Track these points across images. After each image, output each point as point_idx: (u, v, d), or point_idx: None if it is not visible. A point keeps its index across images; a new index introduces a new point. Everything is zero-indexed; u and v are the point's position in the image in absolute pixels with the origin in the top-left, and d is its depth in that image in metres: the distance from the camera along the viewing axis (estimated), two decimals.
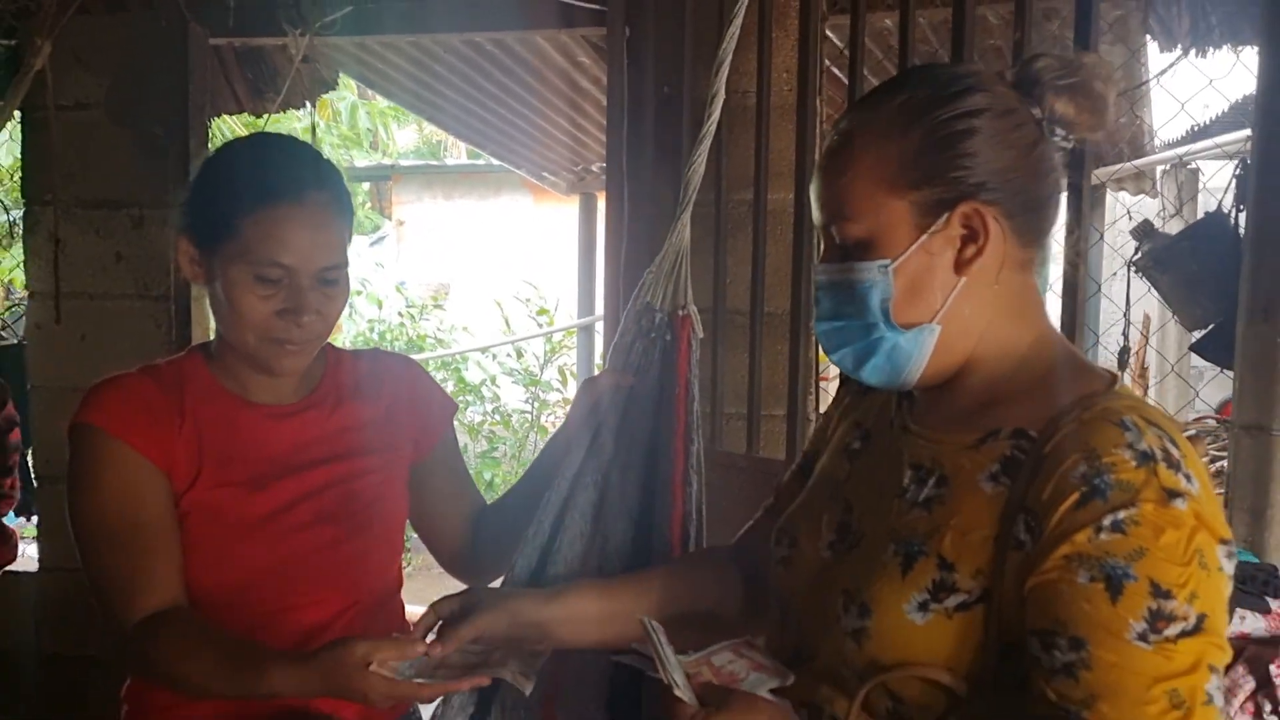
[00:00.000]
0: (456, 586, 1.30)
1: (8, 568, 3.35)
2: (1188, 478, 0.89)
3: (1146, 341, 5.22)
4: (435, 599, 1.21)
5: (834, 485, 1.12)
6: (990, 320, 1.02)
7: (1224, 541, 0.90)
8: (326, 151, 5.54)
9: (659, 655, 0.99)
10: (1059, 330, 1.09)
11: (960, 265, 1.00)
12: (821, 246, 1.07)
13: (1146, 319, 5.74)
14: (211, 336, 1.43)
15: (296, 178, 1.29)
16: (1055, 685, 0.88)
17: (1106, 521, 0.87)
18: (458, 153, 11.13)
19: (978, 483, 0.97)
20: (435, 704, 1.29)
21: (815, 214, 1.06)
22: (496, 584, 1.40)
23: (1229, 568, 0.90)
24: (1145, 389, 5.58)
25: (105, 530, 1.28)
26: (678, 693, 0.97)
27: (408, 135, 11.50)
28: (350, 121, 9.38)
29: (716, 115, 1.68)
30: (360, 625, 1.34)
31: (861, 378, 1.06)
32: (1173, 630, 0.86)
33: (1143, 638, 0.86)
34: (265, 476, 1.34)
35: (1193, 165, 5.41)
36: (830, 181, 1.03)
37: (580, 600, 1.20)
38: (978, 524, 0.95)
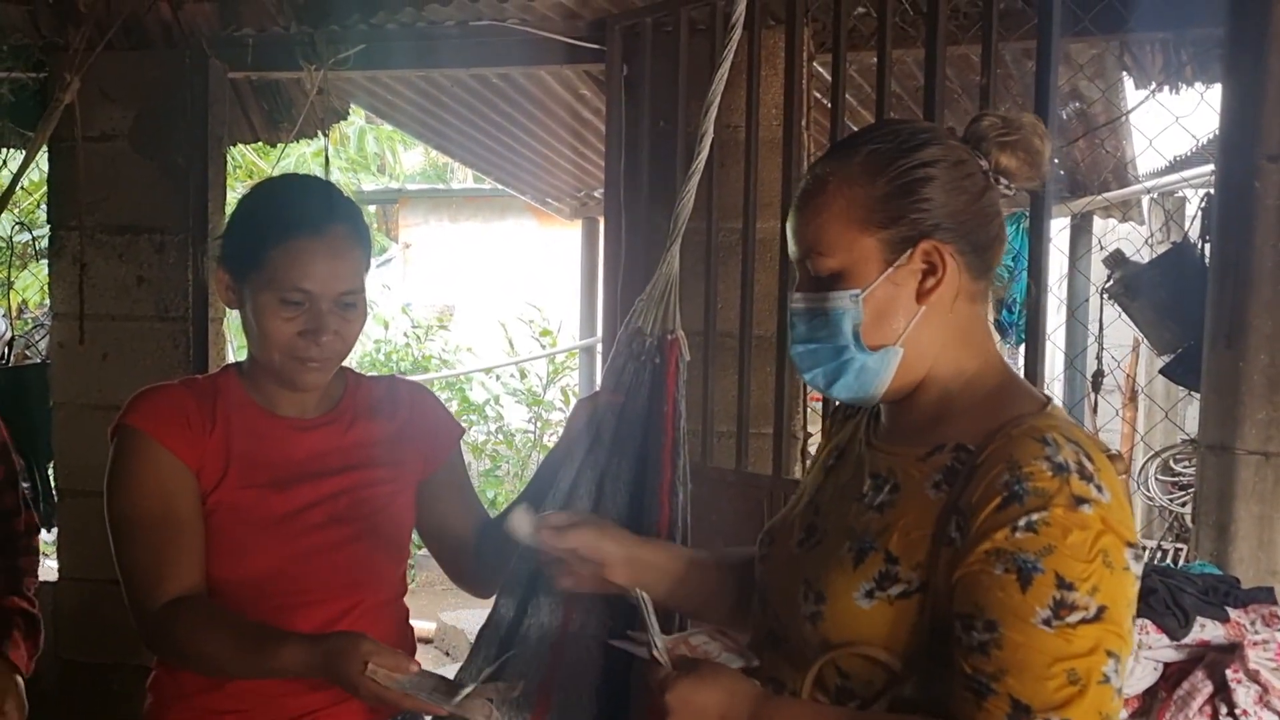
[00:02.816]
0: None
1: None
2: (1099, 488, 1.02)
3: (1134, 371, 5.34)
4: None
5: (811, 494, 1.27)
6: (944, 344, 1.16)
7: (1130, 545, 1.03)
8: (335, 176, 5.70)
9: (648, 623, 1.14)
10: (1005, 356, 1.23)
11: (921, 295, 1.14)
12: (797, 277, 1.20)
13: (1136, 344, 5.85)
14: (228, 356, 1.58)
15: (317, 213, 1.44)
16: (971, 661, 1.01)
17: (1021, 522, 1.01)
18: (463, 176, 11.28)
19: (923, 489, 1.11)
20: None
21: (791, 248, 1.20)
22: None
23: (1136, 568, 1.03)
24: (1135, 414, 5.70)
25: (137, 521, 1.42)
26: (656, 654, 1.12)
27: (413, 158, 11.66)
28: (358, 146, 9.56)
29: (705, 153, 1.81)
30: (365, 623, 1.46)
31: (832, 394, 1.20)
32: (1074, 618, 0.99)
33: (1046, 623, 0.99)
34: (285, 481, 1.48)
35: (1180, 194, 5.56)
36: (807, 220, 1.17)
37: (659, 551, 1.36)
38: (920, 524, 1.09)
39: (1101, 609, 0.99)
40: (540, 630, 1.44)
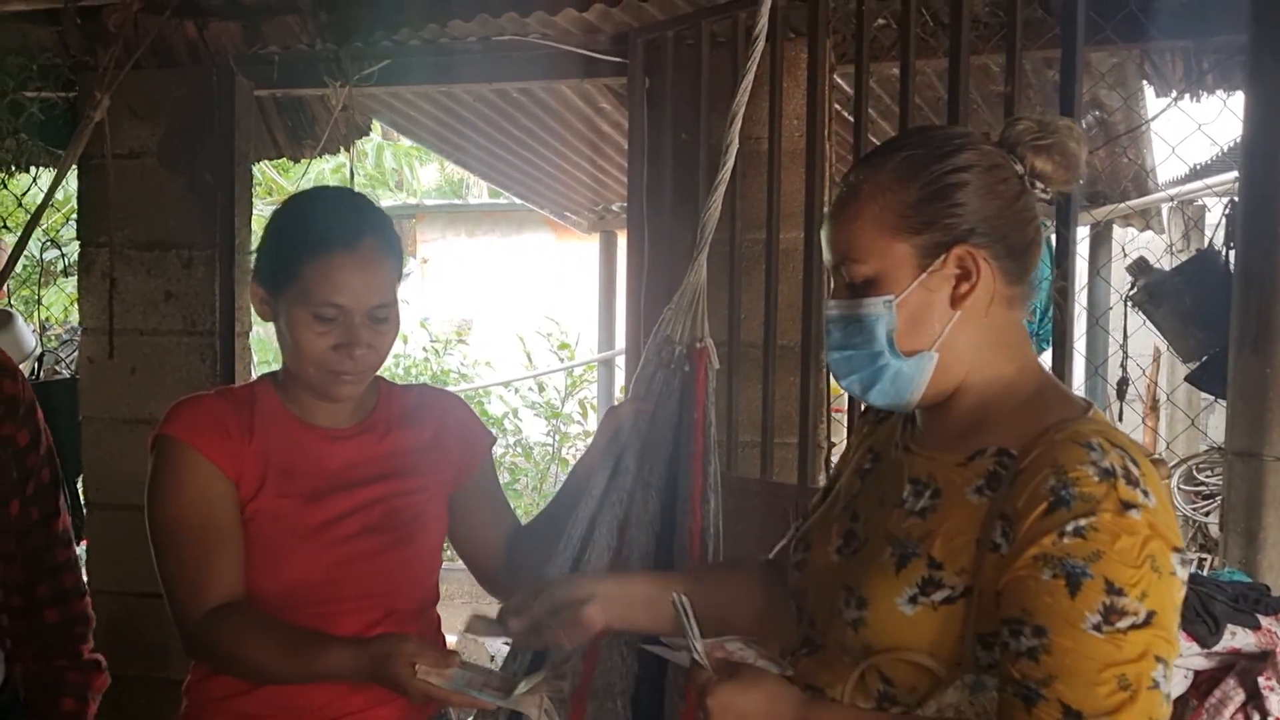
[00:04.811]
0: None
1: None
2: (1145, 493, 1.02)
3: (1155, 379, 5.32)
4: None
5: (847, 500, 1.27)
6: (979, 349, 1.16)
7: (1177, 550, 1.03)
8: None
9: (687, 627, 1.14)
10: (1041, 361, 1.24)
11: (955, 300, 1.14)
12: (832, 285, 1.21)
13: (1157, 353, 5.83)
14: (254, 370, 1.59)
15: (348, 227, 1.46)
16: (1020, 666, 1.01)
17: (1069, 527, 1.01)
18: (479, 190, 11.35)
19: (965, 494, 1.11)
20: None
21: (826, 255, 1.21)
22: None
23: (1182, 573, 1.03)
24: (1157, 422, 5.68)
25: (179, 530, 1.44)
26: (697, 657, 1.12)
27: (430, 173, 11.73)
28: (376, 162, 9.63)
29: (731, 163, 1.83)
30: (399, 631, 1.46)
31: (869, 400, 1.20)
32: (1124, 623, 0.99)
33: (1096, 628, 0.99)
34: (321, 491, 1.49)
35: (1199, 202, 5.54)
36: (841, 227, 1.17)
37: (635, 583, 1.36)
38: (963, 529, 1.09)
39: (1151, 614, 0.99)
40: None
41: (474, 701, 1.28)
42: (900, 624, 1.09)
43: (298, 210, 1.53)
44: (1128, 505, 1.01)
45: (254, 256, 1.54)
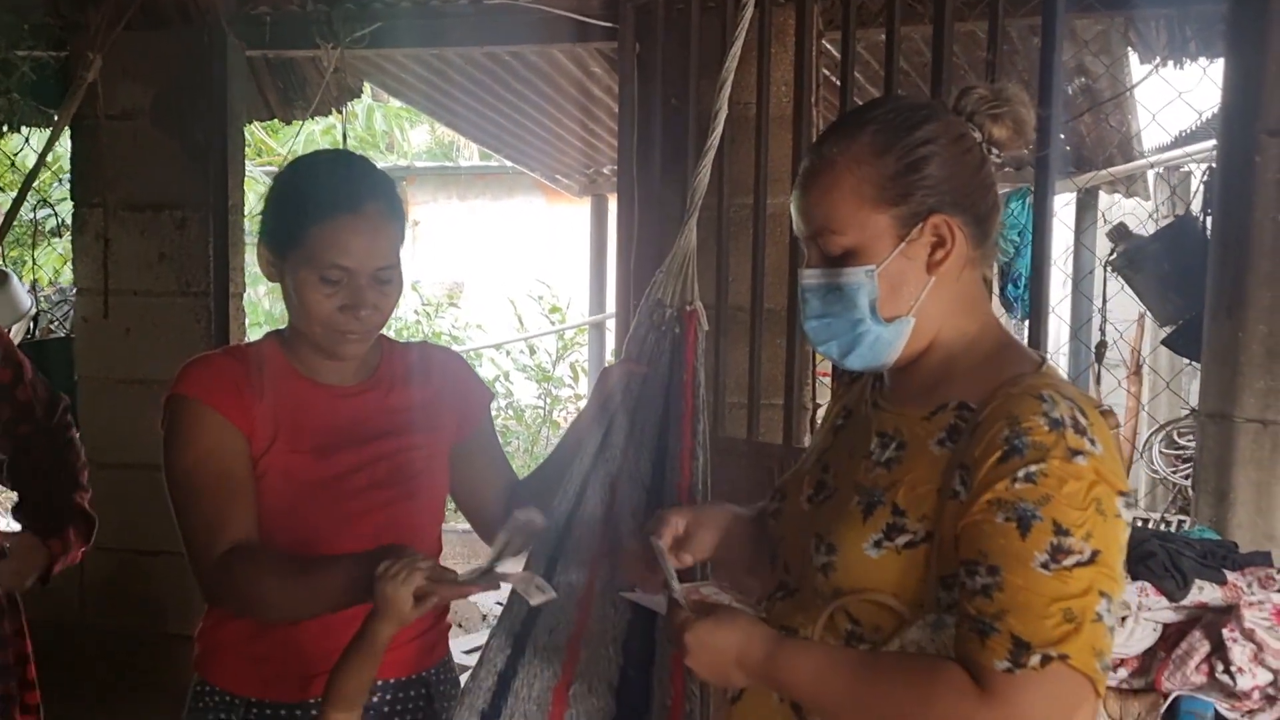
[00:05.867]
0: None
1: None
2: (1092, 441, 1.09)
3: (1139, 343, 5.39)
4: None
5: (819, 453, 1.34)
6: (949, 311, 1.22)
7: (1122, 493, 1.10)
8: None
9: (665, 570, 1.22)
10: (998, 319, 1.30)
11: (931, 267, 1.20)
12: (806, 255, 1.26)
13: (1141, 317, 5.89)
14: (247, 330, 1.63)
15: (353, 191, 1.50)
16: (975, 603, 1.09)
17: (1021, 474, 1.08)
18: (470, 152, 11.31)
19: (928, 446, 1.18)
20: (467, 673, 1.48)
21: (799, 226, 1.25)
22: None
23: (1127, 515, 1.11)
24: (1139, 387, 5.75)
25: (196, 482, 1.49)
26: (676, 597, 1.20)
27: (420, 135, 11.67)
28: (367, 124, 9.58)
29: (720, 130, 1.87)
30: None
31: (846, 364, 1.26)
32: (1069, 561, 1.06)
33: (1044, 566, 1.06)
34: (329, 446, 1.55)
35: (1185, 168, 5.59)
36: (817, 199, 1.21)
37: (725, 515, 1.42)
38: (925, 479, 1.16)
39: (1095, 553, 1.06)
40: (569, 589, 1.51)
41: (463, 589, 1.32)
42: (867, 567, 1.16)
43: (302, 174, 1.57)
44: (1075, 452, 1.08)
45: (259, 218, 1.57)
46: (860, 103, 2.92)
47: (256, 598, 1.45)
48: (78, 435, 2.24)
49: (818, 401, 2.98)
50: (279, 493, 1.51)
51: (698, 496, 1.59)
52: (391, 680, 1.58)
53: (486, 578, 1.33)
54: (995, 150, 1.24)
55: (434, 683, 1.63)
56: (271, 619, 1.50)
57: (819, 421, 2.22)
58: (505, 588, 1.42)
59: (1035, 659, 1.05)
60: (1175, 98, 2.89)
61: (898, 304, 1.20)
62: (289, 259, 1.50)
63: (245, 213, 3.53)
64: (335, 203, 1.47)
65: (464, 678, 1.58)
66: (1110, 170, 4.61)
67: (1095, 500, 1.07)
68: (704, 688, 1.48)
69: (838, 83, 3.47)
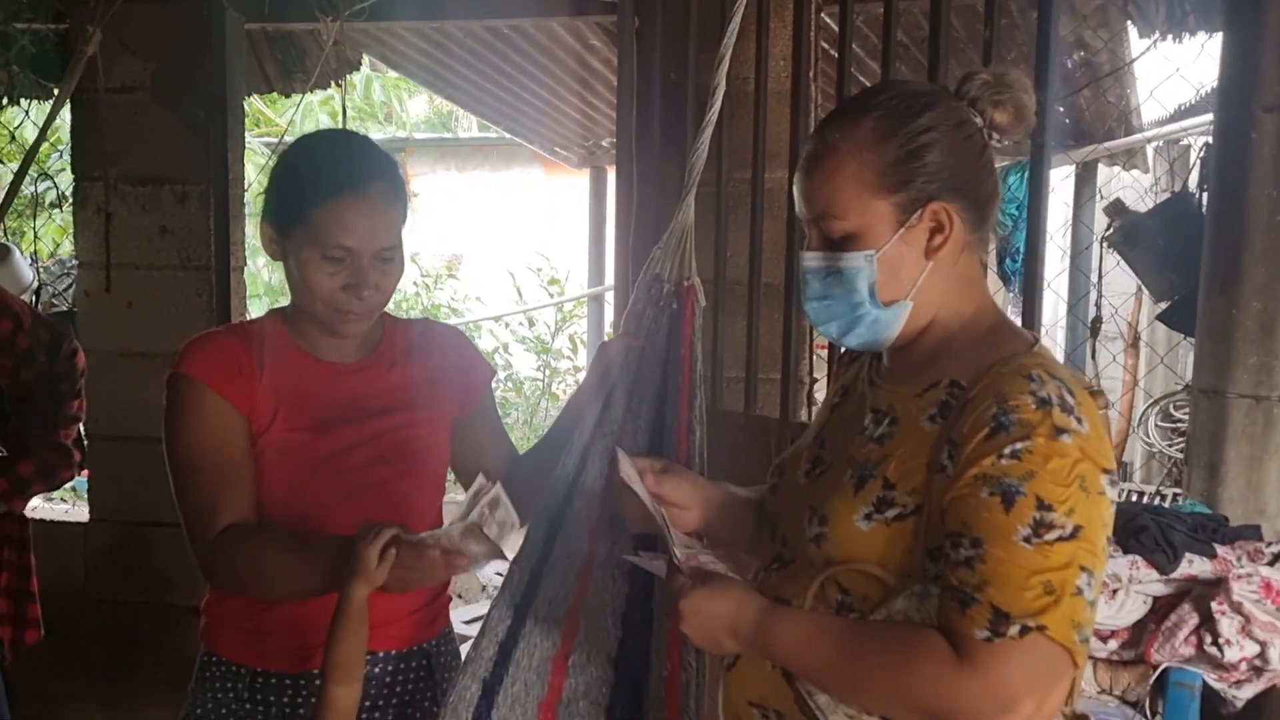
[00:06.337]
0: None
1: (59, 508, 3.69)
2: (1078, 420, 1.12)
3: (1136, 317, 5.40)
4: None
5: (817, 430, 1.38)
6: (946, 294, 1.25)
7: (1107, 471, 1.13)
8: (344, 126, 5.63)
9: (667, 538, 1.26)
10: (993, 299, 1.33)
11: (929, 252, 1.22)
12: (807, 236, 1.28)
13: (1140, 293, 5.90)
14: (248, 304, 1.65)
15: (356, 171, 1.51)
16: (958, 574, 1.12)
17: (1007, 450, 1.10)
18: (468, 123, 11.27)
19: (919, 422, 1.20)
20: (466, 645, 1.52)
21: (801, 209, 1.27)
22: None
23: (1111, 493, 1.13)
24: (1136, 361, 5.78)
25: (195, 464, 1.52)
26: (677, 562, 1.24)
27: (418, 105, 11.63)
28: (364, 95, 9.56)
29: (718, 106, 1.87)
30: None
31: (845, 343, 1.29)
32: (1051, 535, 1.08)
33: (1026, 540, 1.08)
34: (330, 423, 1.57)
35: (1185, 142, 5.59)
36: (819, 184, 1.24)
37: (716, 489, 1.47)
38: (916, 454, 1.18)
39: (1077, 528, 1.09)
40: (568, 560, 1.54)
41: (424, 547, 1.36)
42: (857, 538, 1.19)
43: (306, 153, 1.58)
44: (1060, 430, 1.10)
45: (262, 196, 1.58)
46: (859, 76, 2.91)
47: (253, 577, 1.48)
48: (81, 366, 2.42)
49: (815, 376, 3.00)
50: (280, 469, 1.53)
51: (695, 469, 1.61)
52: (393, 652, 1.61)
53: (446, 537, 1.36)
54: (997, 135, 1.26)
55: (434, 654, 1.67)
56: (268, 597, 1.53)
57: (815, 400, 2.23)
58: (501, 565, 1.45)
59: (1014, 629, 1.07)
60: (1173, 73, 2.89)
61: (896, 288, 1.22)
62: (292, 237, 1.52)
63: (245, 187, 3.53)
64: (339, 182, 1.49)
65: (464, 648, 1.61)
66: (1108, 144, 4.61)
67: (1079, 477, 1.09)
68: (700, 658, 1.51)
69: (835, 56, 3.47)
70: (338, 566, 1.38)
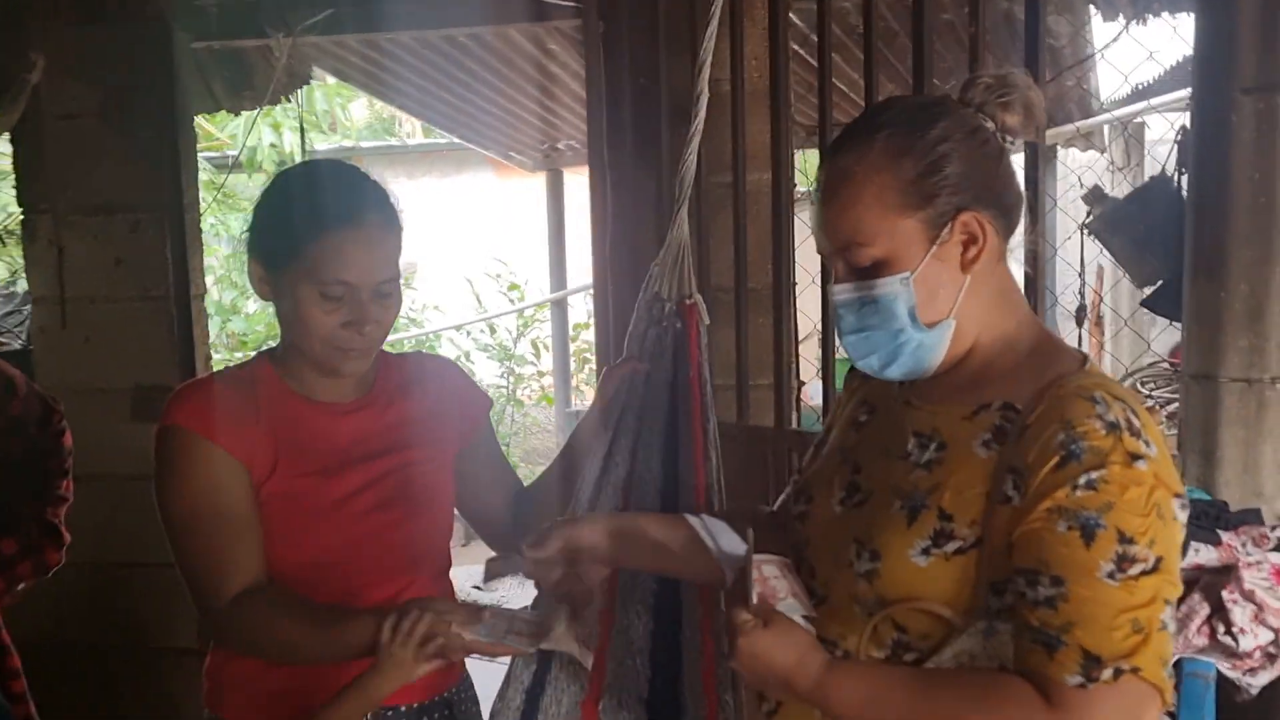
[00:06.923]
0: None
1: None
2: (1147, 444, 1.07)
3: (1100, 296, 5.45)
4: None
5: (844, 452, 1.30)
6: (987, 307, 1.20)
7: (1178, 495, 1.09)
8: (287, 137, 5.61)
9: (750, 561, 1.16)
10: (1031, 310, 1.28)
11: (965, 265, 1.17)
12: (834, 270, 1.22)
13: (1100, 272, 5.97)
14: (209, 334, 1.57)
15: (352, 203, 1.44)
16: (1038, 614, 1.06)
17: (1081, 480, 1.05)
18: (412, 127, 11.12)
19: (972, 448, 1.14)
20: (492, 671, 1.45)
21: (822, 243, 1.21)
22: None
23: (1182, 517, 1.09)
24: (1101, 339, 5.84)
25: (195, 521, 1.43)
26: (749, 583, 1.14)
27: (358, 110, 11.45)
28: (307, 105, 9.35)
29: (702, 114, 1.83)
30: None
31: (887, 375, 1.22)
32: (1135, 570, 1.04)
33: (1111, 576, 1.04)
34: (333, 467, 1.49)
35: (1138, 120, 5.63)
36: (840, 213, 1.18)
37: (643, 523, 1.39)
38: (972, 482, 1.13)
39: (1159, 560, 1.05)
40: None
41: (512, 649, 1.30)
42: (914, 575, 1.13)
43: (297, 186, 1.51)
44: (1134, 457, 1.05)
45: (248, 234, 1.50)
46: (836, 83, 2.85)
47: (272, 646, 1.41)
48: (69, 446, 2.25)
49: (801, 380, 2.96)
50: (286, 518, 1.46)
51: (715, 497, 1.56)
52: (415, 705, 1.54)
53: (491, 632, 1.31)
54: (1010, 138, 1.21)
55: (455, 702, 1.60)
56: (285, 664, 1.45)
57: (804, 403, 2.16)
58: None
59: (1108, 673, 1.03)
60: (1146, 58, 2.88)
61: (937, 308, 1.17)
62: (286, 274, 1.44)
63: (201, 212, 3.42)
64: (335, 216, 1.42)
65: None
66: (1076, 124, 4.62)
67: (1156, 505, 1.05)
68: (737, 695, 1.46)
69: (805, 56, 3.43)
70: (366, 645, 1.31)
